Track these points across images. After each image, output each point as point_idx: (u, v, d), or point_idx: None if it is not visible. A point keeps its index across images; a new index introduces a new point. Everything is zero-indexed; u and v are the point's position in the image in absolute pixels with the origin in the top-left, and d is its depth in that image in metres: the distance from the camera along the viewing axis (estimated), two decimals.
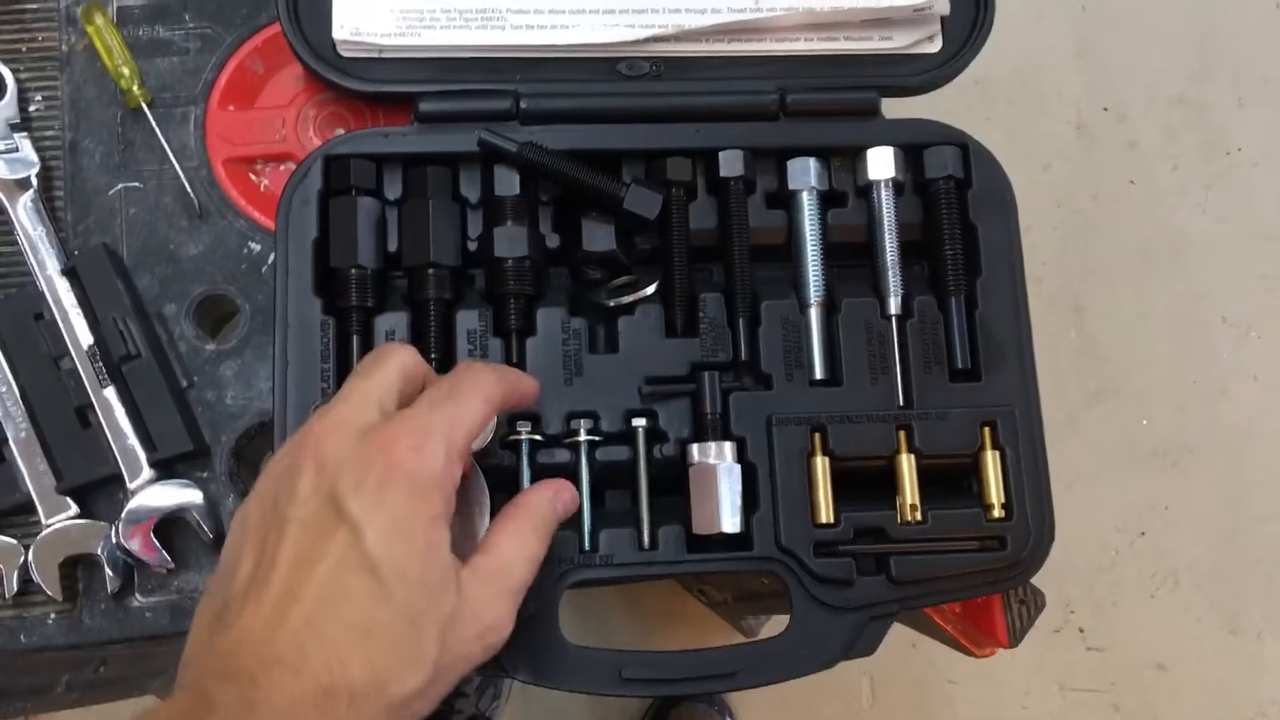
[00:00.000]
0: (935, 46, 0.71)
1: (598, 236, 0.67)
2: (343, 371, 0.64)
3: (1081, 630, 1.56)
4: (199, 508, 0.66)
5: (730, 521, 0.62)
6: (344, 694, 0.45)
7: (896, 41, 0.70)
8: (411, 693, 0.48)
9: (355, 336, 0.64)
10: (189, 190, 0.70)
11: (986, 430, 0.65)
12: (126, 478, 0.66)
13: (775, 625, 1.39)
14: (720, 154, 0.68)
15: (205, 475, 0.68)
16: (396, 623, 0.47)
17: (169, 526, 0.67)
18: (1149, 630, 1.55)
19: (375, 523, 0.48)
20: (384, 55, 0.69)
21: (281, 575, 0.47)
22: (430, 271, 0.65)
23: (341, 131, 0.71)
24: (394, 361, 0.54)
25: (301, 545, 0.48)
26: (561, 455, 0.64)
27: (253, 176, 0.72)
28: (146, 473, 0.66)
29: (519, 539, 0.54)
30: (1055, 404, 1.60)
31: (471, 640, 0.51)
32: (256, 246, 0.71)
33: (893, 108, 0.71)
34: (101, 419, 0.67)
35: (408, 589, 0.48)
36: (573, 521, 0.63)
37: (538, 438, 0.64)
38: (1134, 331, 1.64)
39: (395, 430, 0.50)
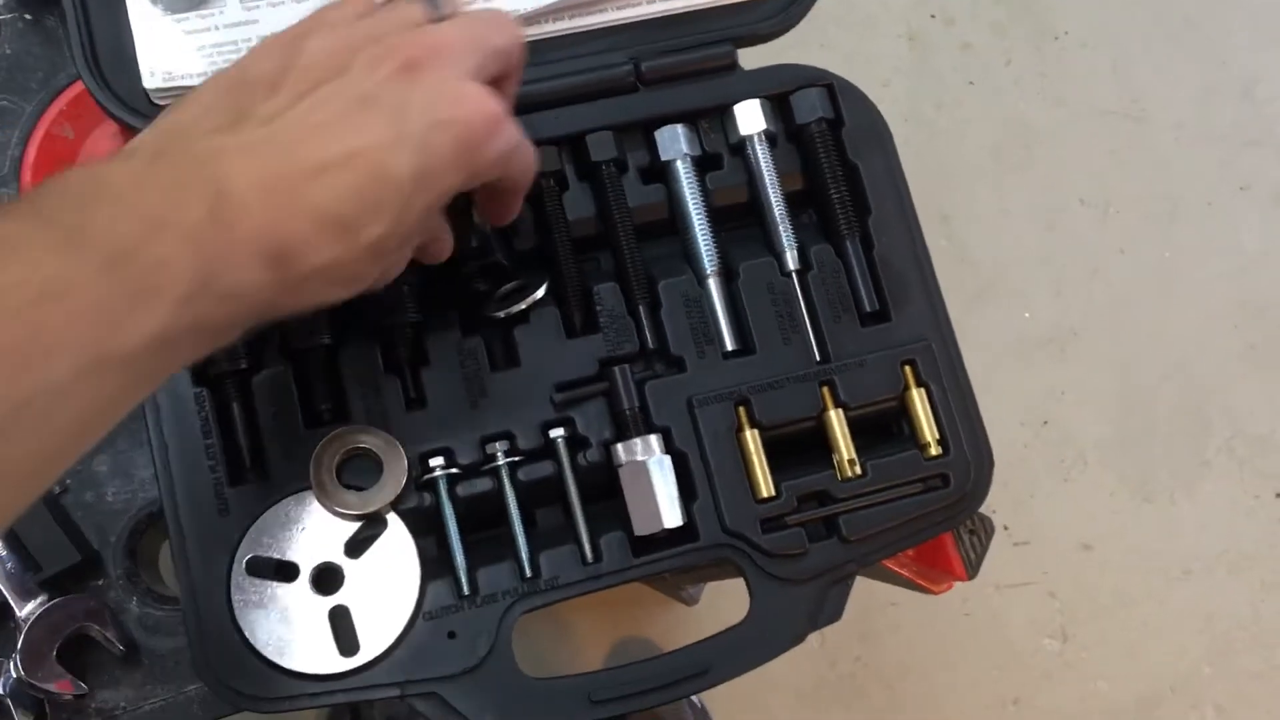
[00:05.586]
0: None
1: (474, 245, 0.63)
2: (229, 445, 0.59)
3: (1006, 528, 1.58)
4: (102, 620, 0.60)
5: (671, 516, 0.60)
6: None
7: None
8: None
9: (235, 403, 0.59)
10: None
11: (908, 369, 0.63)
12: (15, 606, 0.60)
13: (713, 591, 1.37)
14: (588, 138, 0.64)
15: (101, 583, 0.62)
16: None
17: (74, 648, 0.61)
18: (1069, 514, 1.58)
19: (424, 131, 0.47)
20: None
21: (312, 138, 0.46)
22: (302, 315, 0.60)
23: None
24: None
25: (349, 117, 0.47)
26: (483, 484, 0.60)
27: None
28: (36, 596, 0.60)
29: None
30: None
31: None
32: None
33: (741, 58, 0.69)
34: None
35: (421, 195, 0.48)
36: (508, 549, 0.60)
37: (454, 470, 0.60)
38: (1000, 229, 1.66)
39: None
